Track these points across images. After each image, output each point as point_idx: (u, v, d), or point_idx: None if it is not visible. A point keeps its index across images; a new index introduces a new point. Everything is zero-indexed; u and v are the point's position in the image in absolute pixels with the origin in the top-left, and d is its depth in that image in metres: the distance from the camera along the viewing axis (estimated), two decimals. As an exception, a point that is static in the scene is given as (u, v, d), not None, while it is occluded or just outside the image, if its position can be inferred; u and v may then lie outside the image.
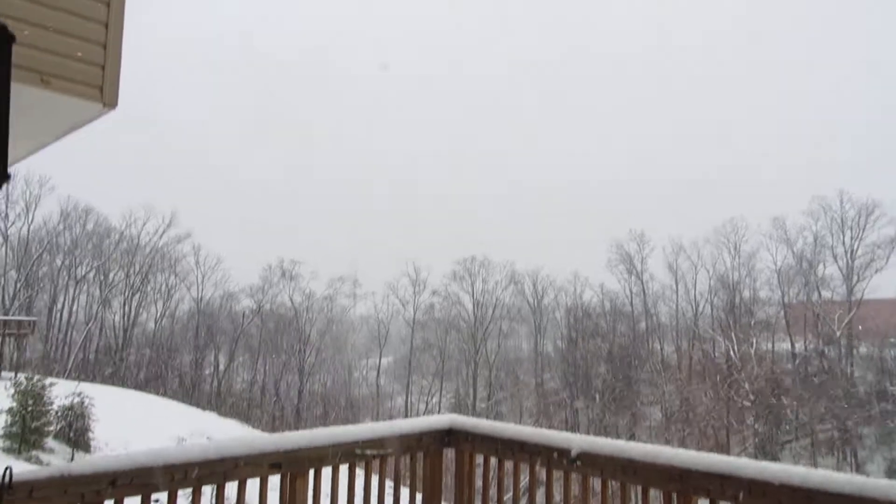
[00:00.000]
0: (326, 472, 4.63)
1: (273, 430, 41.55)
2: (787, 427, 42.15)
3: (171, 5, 68.80)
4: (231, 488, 4.13)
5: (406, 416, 50.81)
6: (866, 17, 60.69)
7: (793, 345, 47.17)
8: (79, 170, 51.43)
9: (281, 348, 56.95)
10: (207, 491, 4.32)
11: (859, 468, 37.33)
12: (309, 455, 4.34)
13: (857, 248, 46.81)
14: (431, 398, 55.23)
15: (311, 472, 4.44)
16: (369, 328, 62.64)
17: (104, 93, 3.88)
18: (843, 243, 47.35)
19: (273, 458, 4.14)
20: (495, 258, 57.96)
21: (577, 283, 56.96)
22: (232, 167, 72.64)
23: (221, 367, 54.92)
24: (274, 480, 4.36)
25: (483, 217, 74.39)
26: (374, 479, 4.95)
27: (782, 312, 49.07)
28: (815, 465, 35.33)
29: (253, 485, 4.25)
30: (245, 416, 42.58)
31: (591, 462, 4.44)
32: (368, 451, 4.65)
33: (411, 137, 77.61)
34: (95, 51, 3.89)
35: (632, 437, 38.98)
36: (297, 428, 39.02)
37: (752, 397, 41.25)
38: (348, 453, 4.61)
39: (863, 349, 44.52)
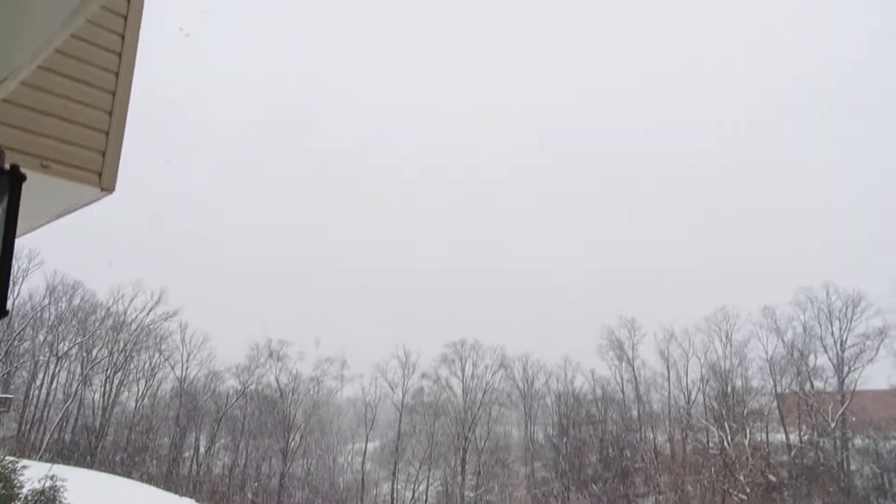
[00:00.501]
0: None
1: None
2: (785, 523, 40.85)
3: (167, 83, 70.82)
4: None
5: (391, 504, 49.10)
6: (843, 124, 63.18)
7: (787, 436, 46.41)
8: (69, 244, 51.43)
9: (264, 430, 55.36)
10: None
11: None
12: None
13: (847, 338, 46.91)
14: (419, 486, 53.37)
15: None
16: (356, 411, 61.19)
17: (103, 177, 3.89)
18: (833, 334, 47.49)
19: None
20: (486, 342, 57.54)
21: (567, 369, 56.37)
22: (225, 246, 72.98)
23: (202, 450, 53.11)
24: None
25: (474, 300, 74.41)
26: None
27: (775, 402, 48.50)
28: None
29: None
30: (224, 502, 40.91)
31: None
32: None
33: (403, 223, 78.60)
34: (97, 137, 3.93)
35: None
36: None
37: (747, 490, 40.12)
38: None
39: (858, 441, 43.77)
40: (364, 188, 79.81)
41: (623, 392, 53.84)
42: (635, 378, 53.63)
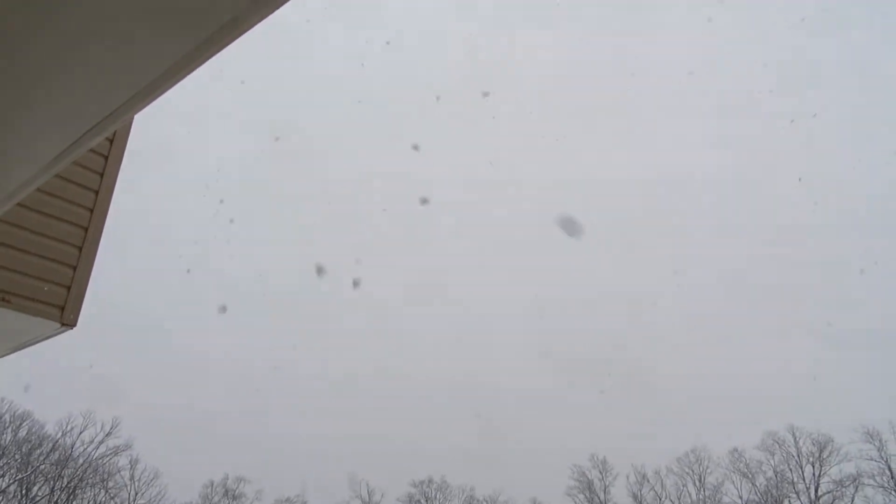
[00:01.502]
0: None
1: None
2: None
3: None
4: None
5: None
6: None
7: (768, 589, 44.23)
8: (19, 372, 49.49)
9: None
10: None
11: None
12: None
13: (819, 485, 46.06)
14: None
15: None
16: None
17: (65, 312, 3.90)
18: (804, 479, 46.67)
19: None
20: (454, 481, 55.28)
21: (537, 512, 54.02)
22: (185, 377, 70.70)
23: None
24: None
25: (442, 437, 72.08)
26: None
27: (754, 552, 46.65)
28: None
29: None
30: None
31: None
32: None
33: (363, 353, 77.48)
34: (64, 272, 3.98)
35: None
36: None
37: None
38: None
39: None
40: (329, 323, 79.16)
41: (595, 538, 51.46)
42: (608, 525, 51.52)
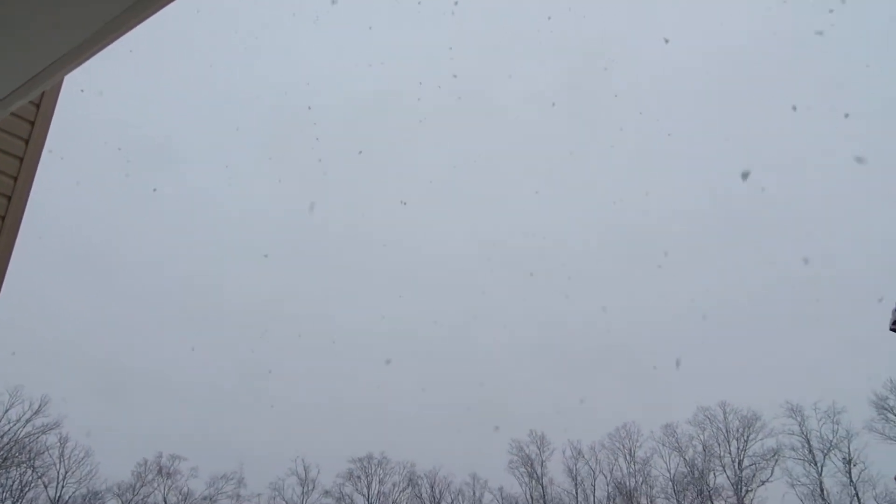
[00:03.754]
0: None
1: None
2: None
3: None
4: None
5: None
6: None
7: (692, 556, 46.42)
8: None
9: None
10: None
11: None
12: None
13: (743, 458, 48.44)
14: None
15: None
16: (250, 535, 56.78)
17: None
18: (730, 453, 48.96)
19: None
20: (394, 457, 55.63)
21: (475, 487, 54.97)
22: (111, 352, 68.60)
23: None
24: None
25: (383, 413, 72.38)
26: None
27: (679, 522, 48.82)
28: None
29: None
30: None
31: None
32: None
33: (308, 326, 76.87)
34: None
35: None
36: None
37: None
38: None
39: (758, 561, 44.31)
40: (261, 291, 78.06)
41: (532, 511, 52.80)
42: (543, 496, 52.86)
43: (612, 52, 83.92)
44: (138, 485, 52.57)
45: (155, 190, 75.63)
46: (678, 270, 71.36)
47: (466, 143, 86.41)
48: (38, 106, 4.45)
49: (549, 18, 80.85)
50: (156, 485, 53.32)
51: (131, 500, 52.05)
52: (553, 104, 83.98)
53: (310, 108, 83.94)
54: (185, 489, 53.53)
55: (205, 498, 54.15)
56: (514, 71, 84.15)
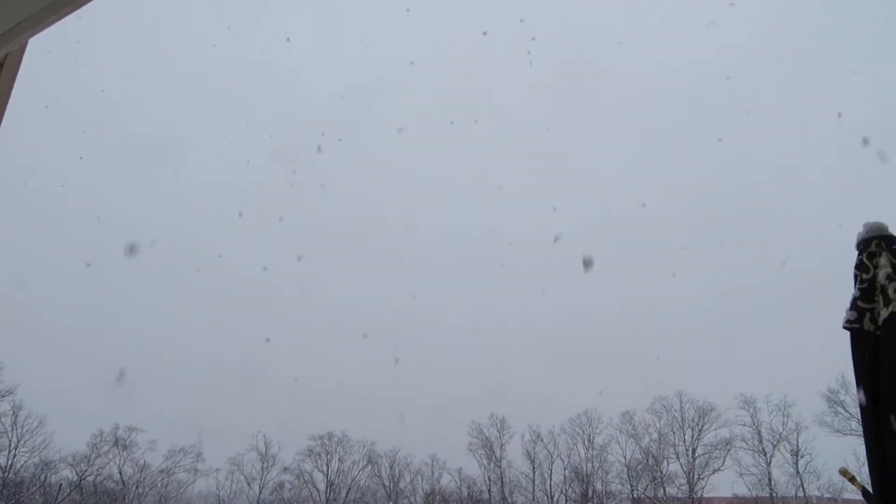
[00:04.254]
0: None
1: None
2: None
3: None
4: None
5: None
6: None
7: (642, 540, 47.64)
8: None
9: (98, 529, 49.72)
10: None
11: None
12: None
13: (697, 447, 49.76)
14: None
15: None
16: (207, 508, 56.61)
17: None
18: (685, 441, 50.23)
19: None
20: (354, 436, 55.81)
21: (434, 467, 55.52)
22: (69, 320, 67.24)
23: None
24: None
25: (345, 393, 72.44)
26: None
27: (632, 506, 50.05)
28: None
29: None
30: None
31: None
32: None
33: (268, 299, 76.32)
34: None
35: None
36: None
37: None
38: None
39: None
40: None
41: (490, 493, 53.49)
42: (501, 478, 53.62)
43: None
44: (93, 455, 51.91)
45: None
46: (646, 265, 72.46)
47: (467, 132, 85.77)
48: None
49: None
50: (111, 456, 52.73)
51: (86, 470, 51.39)
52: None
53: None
54: (142, 461, 53.07)
55: (161, 471, 53.75)
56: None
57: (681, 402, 50.94)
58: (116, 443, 52.62)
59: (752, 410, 48.28)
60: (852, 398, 42.75)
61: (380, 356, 73.77)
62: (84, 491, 50.87)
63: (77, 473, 51.09)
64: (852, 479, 3.88)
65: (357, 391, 72.88)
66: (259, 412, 68.62)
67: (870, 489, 3.73)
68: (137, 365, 69.79)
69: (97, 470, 52.15)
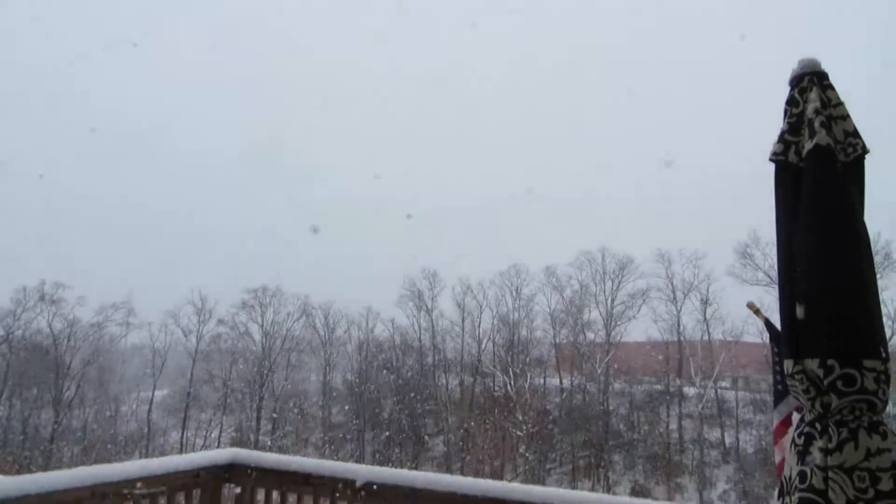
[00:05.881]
0: (85, 516, 4.17)
1: (19, 474, 35.98)
2: (553, 455, 45.88)
3: None
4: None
5: (182, 452, 46.92)
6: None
7: (561, 381, 51.77)
8: None
9: (33, 381, 50.01)
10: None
11: (610, 489, 41.67)
12: (65, 498, 3.89)
13: (616, 297, 53.08)
14: (211, 432, 51.85)
15: (67, 516, 3.99)
16: (143, 359, 57.43)
17: None
18: (605, 292, 53.39)
19: None
20: (288, 289, 56.64)
21: (369, 318, 57.50)
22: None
23: (-49, 402, 46.89)
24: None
25: (278, 246, 72.58)
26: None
27: (553, 351, 53.80)
28: (574, 487, 38.67)
29: (-8, 535, 3.71)
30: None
31: (375, 492, 4.53)
32: (137, 491, 4.29)
33: (202, 157, 73.83)
34: None
35: (416, 468, 39.78)
36: (49, 470, 34.16)
37: (524, 428, 44.34)
38: (115, 493, 4.21)
39: (617, 386, 50.06)
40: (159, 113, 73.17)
41: (420, 340, 56.20)
42: (433, 327, 56.19)
43: None
44: (19, 311, 51.09)
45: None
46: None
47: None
48: None
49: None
50: (38, 311, 52.02)
51: (12, 325, 50.74)
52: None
53: None
54: (72, 316, 52.65)
55: (92, 325, 53.65)
56: None
57: (602, 256, 53.57)
58: (42, 298, 51.76)
59: (666, 264, 51.42)
60: (762, 253, 46.08)
61: (314, 212, 73.76)
62: (13, 345, 50.54)
63: (3, 328, 50.46)
64: (757, 312, 4.26)
65: (290, 247, 73.29)
66: (192, 269, 68.50)
67: (773, 322, 4.14)
68: (65, 220, 67.56)
69: (24, 325, 51.61)
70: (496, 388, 50.86)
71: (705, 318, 50.24)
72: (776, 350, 3.70)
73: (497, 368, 51.69)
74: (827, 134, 1.94)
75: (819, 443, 1.78)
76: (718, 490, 41.30)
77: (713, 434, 45.90)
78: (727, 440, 45.33)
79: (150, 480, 4.42)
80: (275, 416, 51.75)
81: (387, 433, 48.62)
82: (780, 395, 3.54)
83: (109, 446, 45.81)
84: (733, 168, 53.25)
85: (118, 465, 4.38)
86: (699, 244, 50.41)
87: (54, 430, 48.36)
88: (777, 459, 3.51)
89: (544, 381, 52.23)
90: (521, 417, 44.91)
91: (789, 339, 1.88)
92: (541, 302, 55.11)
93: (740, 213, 50.28)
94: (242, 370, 54.44)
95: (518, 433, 44.32)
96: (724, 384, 48.93)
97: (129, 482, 4.31)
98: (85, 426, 51.36)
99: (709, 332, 50.17)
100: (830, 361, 1.74)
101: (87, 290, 52.68)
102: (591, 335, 52.95)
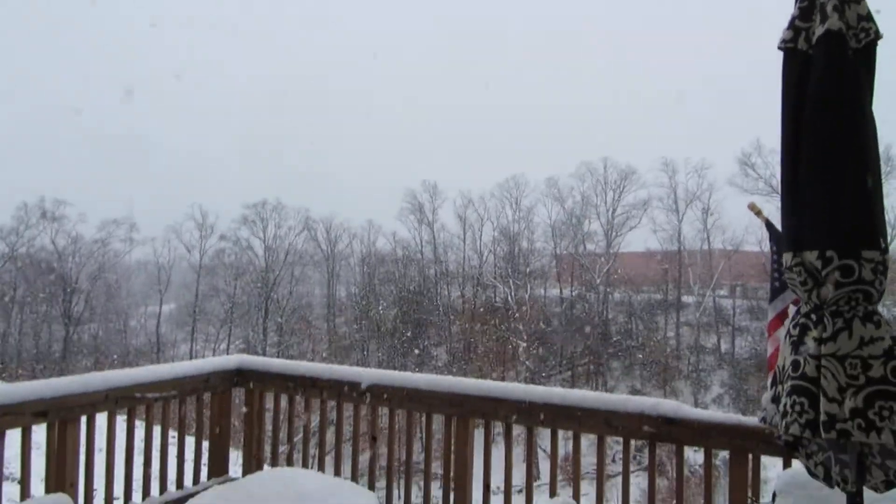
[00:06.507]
0: (101, 420, 4.32)
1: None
2: (553, 362, 47.19)
3: None
4: (-15, 441, 3.72)
5: (190, 365, 48.30)
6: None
7: (561, 291, 52.51)
8: None
9: (41, 297, 50.82)
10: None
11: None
12: (81, 401, 4.02)
13: (617, 207, 53.00)
14: (219, 345, 53.18)
15: (84, 419, 4.13)
16: (148, 274, 58.16)
17: None
18: (606, 202, 53.27)
19: (37, 407, 3.78)
20: (289, 203, 56.58)
21: (371, 231, 57.76)
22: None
23: (-36, 319, 47.85)
24: (38, 431, 3.99)
25: (276, 163, 72.01)
26: (157, 428, 4.72)
27: (554, 262, 54.32)
28: (573, 395, 39.97)
29: (13, 437, 3.86)
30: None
31: (379, 393, 4.68)
32: (149, 395, 4.44)
33: (201, 68, 71.99)
34: None
35: (418, 378, 41.10)
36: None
37: (525, 337, 45.40)
38: (127, 397, 4.35)
39: (616, 295, 50.83)
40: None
41: (422, 253, 56.64)
42: (434, 240, 56.50)
43: None
44: (22, 228, 51.27)
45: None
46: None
47: None
48: None
49: None
50: (41, 228, 52.21)
51: (16, 242, 51.05)
52: None
53: None
54: (75, 233, 52.90)
55: (96, 241, 53.96)
56: None
57: (605, 167, 53.10)
58: (44, 215, 51.82)
59: (670, 173, 51.05)
60: (763, 161, 45.65)
61: (313, 124, 72.69)
62: (19, 261, 51.03)
63: (8, 245, 50.79)
64: (758, 213, 4.27)
65: (291, 160, 72.69)
66: (192, 185, 68.24)
67: (773, 222, 4.15)
68: (60, 133, 66.68)
69: (28, 241, 51.92)
70: (497, 300, 51.66)
71: (706, 228, 50.44)
72: (775, 249, 3.74)
73: (498, 280, 52.33)
74: (839, 18, 1.86)
75: (814, 333, 1.80)
76: (713, 394, 42.74)
77: (710, 341, 47.03)
78: (723, 346, 46.50)
79: (161, 385, 4.57)
80: (281, 325, 52.86)
81: (390, 343, 49.81)
82: (776, 291, 3.61)
83: (115, 357, 46.97)
84: (741, 69, 51.91)
85: (130, 371, 4.51)
86: (705, 154, 50.02)
87: (66, 344, 49.59)
88: (769, 351, 3.61)
89: (545, 292, 52.98)
90: (521, 327, 45.88)
91: (789, 232, 1.87)
92: (541, 213, 55.20)
93: (744, 122, 49.55)
94: (247, 284, 55.17)
95: (518, 342, 45.41)
96: (722, 292, 49.67)
97: (142, 386, 4.44)
98: (96, 339, 52.61)
99: (709, 242, 50.51)
100: (829, 253, 1.74)
101: (86, 208, 52.76)
102: (591, 246, 53.32)
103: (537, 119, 68.92)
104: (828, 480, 1.83)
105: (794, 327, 1.85)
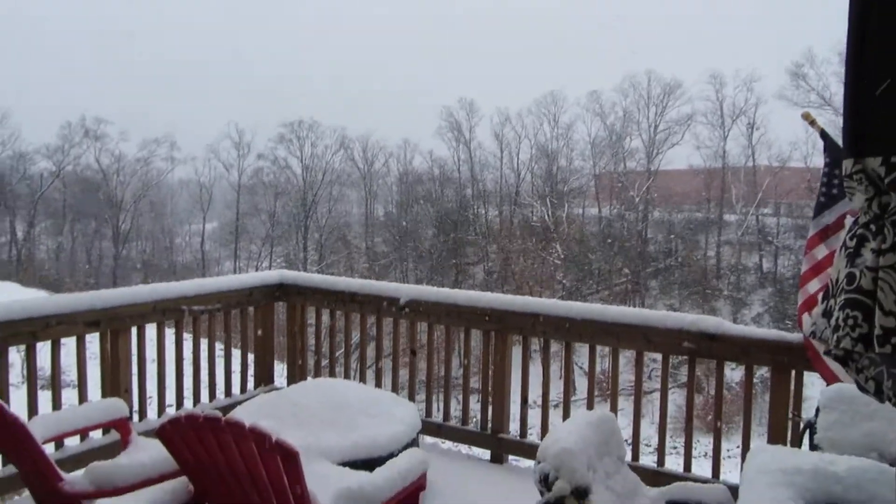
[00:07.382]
0: (150, 331, 4.48)
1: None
2: (591, 281, 47.17)
3: None
4: (43, 349, 3.90)
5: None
6: None
7: (600, 210, 51.80)
8: None
9: (90, 214, 52.37)
10: (13, 353, 4.04)
11: (645, 314, 43.09)
12: (130, 312, 4.16)
13: (659, 123, 51.27)
14: (262, 262, 54.48)
15: (134, 329, 4.29)
16: (190, 193, 59.18)
17: None
18: (648, 118, 51.55)
19: (90, 317, 3.93)
20: (325, 122, 56.25)
21: (406, 150, 57.28)
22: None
23: (20, 235, 49.72)
24: (92, 340, 4.15)
25: (312, 81, 71.22)
26: (204, 341, 4.89)
27: (593, 181, 53.32)
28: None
29: (68, 345, 4.03)
30: (54, 286, 39.32)
31: (418, 308, 4.73)
32: (196, 307, 4.57)
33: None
34: None
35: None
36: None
37: (562, 256, 45.31)
38: (174, 309, 4.49)
39: (656, 214, 49.94)
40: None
41: (459, 172, 56.16)
42: (471, 158, 55.85)
43: None
44: (67, 146, 52.27)
45: None
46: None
47: None
48: None
49: None
50: (85, 147, 53.13)
51: (62, 160, 52.20)
52: None
53: None
54: (118, 151, 53.78)
55: (138, 160, 54.84)
56: None
57: (648, 80, 51.14)
58: (87, 133, 52.65)
59: (717, 86, 48.96)
60: (816, 72, 43.39)
61: (346, 42, 71.28)
62: (65, 180, 52.36)
63: (55, 164, 52.00)
64: (812, 122, 4.06)
65: (324, 79, 71.80)
66: (227, 103, 68.21)
67: (828, 132, 3.94)
68: (99, 55, 66.87)
69: (73, 160, 53.05)
70: (534, 219, 51.34)
71: (751, 144, 48.69)
72: (828, 161, 3.56)
73: (535, 199, 51.85)
74: None
75: (872, 244, 1.70)
76: (753, 312, 42.39)
77: (751, 260, 46.25)
78: (765, 266, 45.75)
79: (206, 297, 4.69)
80: (320, 244, 53.68)
81: (428, 263, 50.30)
82: (820, 206, 3.45)
83: (163, 274, 48.54)
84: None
85: (176, 284, 4.63)
86: (749, 62, 47.68)
87: (115, 261, 51.36)
88: (804, 269, 3.50)
89: (583, 211, 52.35)
90: (558, 246, 45.74)
91: (851, 137, 1.75)
92: (580, 131, 53.82)
93: (795, 34, 46.75)
94: (286, 203, 55.80)
95: (556, 261, 45.38)
96: (765, 211, 48.34)
97: (187, 299, 4.57)
98: (143, 256, 54.34)
99: (753, 158, 48.86)
100: (895, 159, 1.63)
101: (126, 126, 53.45)
102: (631, 164, 52.11)
103: (578, 30, 66.29)
104: (879, 395, 1.78)
105: (851, 238, 1.75)
